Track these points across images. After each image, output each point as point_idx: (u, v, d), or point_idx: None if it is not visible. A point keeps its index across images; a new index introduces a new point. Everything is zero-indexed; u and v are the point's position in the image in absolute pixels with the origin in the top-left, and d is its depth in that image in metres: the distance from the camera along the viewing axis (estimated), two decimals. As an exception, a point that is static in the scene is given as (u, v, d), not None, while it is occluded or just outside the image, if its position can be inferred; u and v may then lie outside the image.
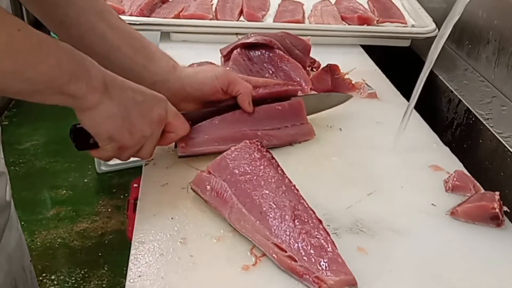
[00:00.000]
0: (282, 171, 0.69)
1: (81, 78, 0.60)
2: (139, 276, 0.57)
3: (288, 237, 0.60)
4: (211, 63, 1.05)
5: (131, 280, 0.57)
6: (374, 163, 0.81)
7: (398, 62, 1.26)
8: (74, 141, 0.67)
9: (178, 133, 0.74)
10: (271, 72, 1.00)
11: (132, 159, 0.72)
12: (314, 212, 0.63)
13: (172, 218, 0.66)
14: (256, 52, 1.01)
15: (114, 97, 0.64)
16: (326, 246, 0.59)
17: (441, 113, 1.06)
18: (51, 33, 0.77)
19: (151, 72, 0.78)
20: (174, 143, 0.78)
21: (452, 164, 0.82)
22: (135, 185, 1.60)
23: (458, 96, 0.99)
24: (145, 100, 0.67)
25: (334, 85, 1.01)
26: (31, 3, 0.76)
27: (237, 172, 0.68)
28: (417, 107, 0.88)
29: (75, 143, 0.67)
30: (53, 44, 0.58)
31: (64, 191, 2.29)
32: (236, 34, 1.17)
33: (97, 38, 0.75)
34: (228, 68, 0.95)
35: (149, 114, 0.68)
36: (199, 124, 0.79)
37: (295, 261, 0.58)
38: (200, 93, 0.80)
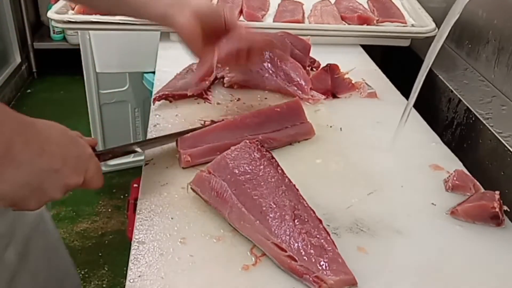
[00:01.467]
0: (282, 170, 0.69)
1: None
2: (139, 276, 0.57)
3: (288, 237, 0.60)
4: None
5: (131, 280, 0.57)
6: (374, 162, 0.81)
7: (398, 62, 1.26)
8: None
9: (90, 188, 0.66)
10: (271, 72, 1.00)
11: (131, 159, 0.72)
12: (314, 212, 0.63)
13: (172, 218, 0.66)
14: (256, 52, 1.01)
15: (22, 166, 0.56)
16: (326, 245, 0.59)
17: (441, 113, 1.06)
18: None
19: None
20: (175, 143, 0.78)
21: (452, 163, 0.82)
22: (135, 185, 1.59)
23: (458, 95, 0.99)
24: (63, 167, 0.59)
25: (334, 85, 1.01)
26: None
27: (237, 172, 0.68)
28: (417, 107, 0.88)
29: None
30: None
31: (64, 191, 2.29)
32: (236, 34, 1.17)
33: None
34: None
35: (62, 182, 0.60)
36: (201, 130, 0.80)
37: (295, 260, 0.58)
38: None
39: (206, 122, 0.88)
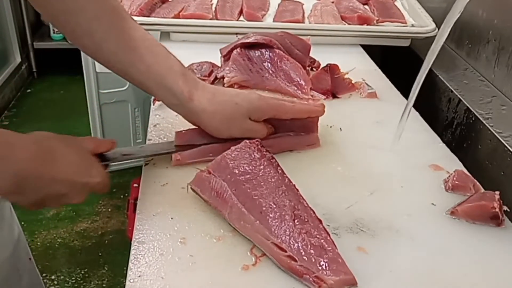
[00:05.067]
0: (282, 170, 0.69)
1: None
2: (139, 276, 0.57)
3: (288, 237, 0.60)
4: (211, 63, 1.05)
5: (131, 280, 0.57)
6: (374, 162, 0.81)
7: (398, 62, 1.26)
8: None
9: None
10: (271, 72, 1.00)
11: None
12: (314, 212, 0.63)
13: (172, 218, 0.66)
14: (256, 52, 1.01)
15: (30, 194, 0.60)
16: (326, 245, 0.59)
17: (441, 113, 1.06)
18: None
19: (165, 95, 0.76)
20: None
21: (452, 163, 0.82)
22: (135, 185, 1.59)
23: (458, 95, 0.99)
24: (70, 191, 0.64)
25: (334, 85, 1.01)
26: (42, 9, 0.74)
27: (237, 172, 0.68)
28: (417, 107, 0.88)
29: None
30: None
31: (64, 191, 2.29)
32: (236, 34, 1.17)
33: (109, 54, 0.72)
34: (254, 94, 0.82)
35: (66, 201, 0.65)
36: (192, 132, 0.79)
37: (295, 261, 0.58)
38: (217, 134, 0.77)
39: None
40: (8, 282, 0.85)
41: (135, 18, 1.17)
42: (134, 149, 0.79)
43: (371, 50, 1.24)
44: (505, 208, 0.69)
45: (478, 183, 0.76)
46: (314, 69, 1.09)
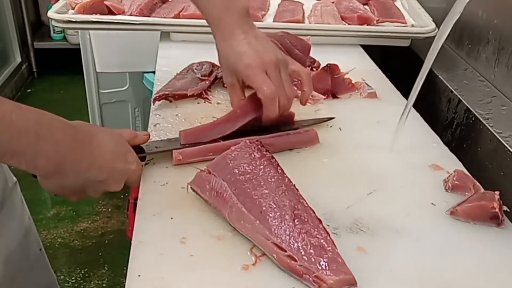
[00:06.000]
0: (282, 170, 0.69)
1: (17, 156, 0.58)
2: (139, 276, 0.57)
3: (288, 237, 0.60)
4: (211, 63, 1.05)
5: (131, 280, 0.57)
6: (374, 162, 0.81)
7: (398, 62, 1.26)
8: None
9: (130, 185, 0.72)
10: (271, 72, 1.00)
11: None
12: (314, 212, 0.63)
13: (172, 218, 0.66)
14: (256, 52, 1.01)
15: (69, 176, 0.63)
16: (326, 245, 0.59)
17: (441, 113, 1.06)
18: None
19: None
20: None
21: (452, 163, 0.82)
22: (135, 185, 1.60)
23: (458, 95, 0.99)
24: (108, 178, 0.66)
25: (334, 85, 1.01)
26: None
27: (237, 171, 0.68)
28: (417, 107, 0.88)
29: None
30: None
31: (64, 191, 2.29)
32: (236, 34, 1.17)
33: None
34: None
35: (104, 189, 0.67)
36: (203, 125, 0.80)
37: (295, 260, 0.58)
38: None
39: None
40: (19, 271, 0.87)
41: (135, 18, 1.19)
42: (165, 142, 0.81)
43: (371, 50, 1.24)
44: (505, 208, 0.69)
45: (478, 183, 0.75)
46: (314, 69, 1.09)
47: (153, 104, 0.94)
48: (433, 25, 1.21)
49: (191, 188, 0.70)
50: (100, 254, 1.96)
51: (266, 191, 0.65)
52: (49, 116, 0.62)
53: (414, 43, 1.24)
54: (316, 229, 0.61)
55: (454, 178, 0.75)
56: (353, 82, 1.03)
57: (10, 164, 0.59)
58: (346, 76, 1.02)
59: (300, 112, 0.90)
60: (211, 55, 1.07)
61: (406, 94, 0.88)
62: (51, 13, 1.18)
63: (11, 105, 0.58)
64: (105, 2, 1.20)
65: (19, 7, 3.05)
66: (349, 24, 1.27)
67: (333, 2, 1.40)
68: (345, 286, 0.56)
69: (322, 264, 0.57)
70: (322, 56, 1.10)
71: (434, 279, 0.60)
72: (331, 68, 1.01)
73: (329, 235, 0.61)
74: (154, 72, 1.15)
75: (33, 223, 0.94)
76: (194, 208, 0.68)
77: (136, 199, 0.71)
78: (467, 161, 0.83)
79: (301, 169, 0.77)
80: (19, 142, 0.57)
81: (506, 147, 0.82)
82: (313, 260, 0.57)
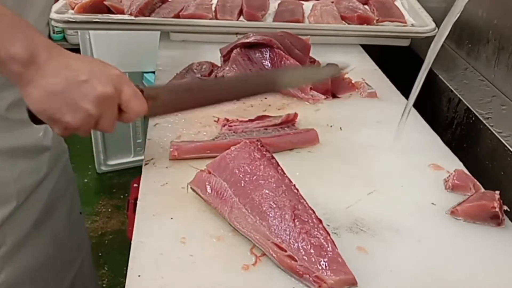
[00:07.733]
0: (282, 170, 0.69)
1: None
2: (139, 276, 0.57)
3: (288, 237, 0.60)
4: (211, 63, 1.05)
5: (131, 280, 0.57)
6: (374, 162, 0.81)
7: (398, 61, 1.26)
8: (29, 115, 0.66)
9: (133, 113, 0.70)
10: (271, 71, 1.00)
11: (131, 159, 0.72)
12: (314, 212, 0.63)
13: (172, 218, 0.66)
14: (256, 51, 1.01)
15: (48, 74, 0.61)
16: (326, 245, 0.59)
17: (441, 113, 1.06)
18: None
19: None
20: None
21: (452, 163, 0.82)
22: (135, 185, 1.59)
23: (458, 95, 0.99)
24: (90, 78, 0.63)
25: (334, 85, 1.01)
26: None
27: (237, 171, 0.68)
28: (417, 107, 0.88)
29: (30, 118, 0.66)
30: None
31: (64, 191, 2.29)
32: (236, 33, 1.17)
33: None
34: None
35: (93, 93, 0.63)
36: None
37: (295, 260, 0.58)
38: None
39: (220, 119, 0.89)
40: (61, 235, 0.97)
41: (135, 18, 1.18)
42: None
43: (371, 50, 1.24)
44: (505, 208, 0.69)
45: (478, 183, 0.76)
46: (314, 69, 1.09)
47: (153, 104, 0.94)
48: (433, 25, 1.21)
49: (191, 188, 0.70)
50: (100, 254, 1.96)
51: (266, 191, 0.65)
52: (24, 20, 0.63)
53: (414, 43, 1.24)
54: (316, 229, 0.61)
55: (454, 178, 0.75)
56: (353, 82, 1.03)
57: None
58: (346, 76, 1.03)
59: (300, 112, 0.90)
60: (211, 55, 1.08)
61: (406, 94, 0.88)
62: (51, 13, 1.18)
63: None
64: (105, 2, 1.20)
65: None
66: (349, 23, 1.27)
67: (332, 2, 1.40)
68: (345, 286, 0.56)
69: (322, 264, 0.57)
70: (322, 55, 1.10)
71: (434, 279, 0.60)
72: (331, 68, 1.01)
73: (329, 235, 0.61)
74: (153, 72, 1.15)
75: (76, 187, 1.06)
76: (194, 208, 0.68)
77: (136, 199, 0.71)
78: (467, 160, 0.83)
79: (301, 169, 0.77)
80: None
81: (506, 147, 0.82)
82: (313, 260, 0.57)
